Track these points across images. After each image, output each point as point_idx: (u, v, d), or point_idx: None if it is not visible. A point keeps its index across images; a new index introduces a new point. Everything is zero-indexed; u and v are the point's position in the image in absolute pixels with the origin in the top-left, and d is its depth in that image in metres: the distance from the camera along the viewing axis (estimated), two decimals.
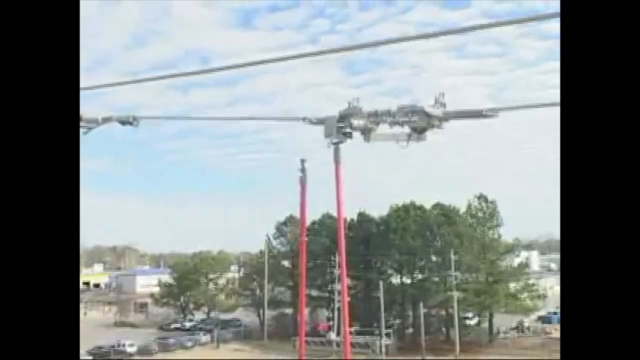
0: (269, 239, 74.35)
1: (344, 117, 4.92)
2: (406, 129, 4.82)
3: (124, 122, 5.44)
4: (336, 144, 5.18)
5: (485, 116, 4.57)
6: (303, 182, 6.02)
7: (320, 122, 5.20)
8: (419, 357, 57.59)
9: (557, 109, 2.93)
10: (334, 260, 65.19)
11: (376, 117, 4.85)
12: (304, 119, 5.21)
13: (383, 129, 4.96)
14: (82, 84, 3.59)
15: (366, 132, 4.98)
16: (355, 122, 4.89)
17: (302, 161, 6.02)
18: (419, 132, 4.84)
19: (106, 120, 5.29)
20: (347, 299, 5.99)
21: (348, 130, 5.00)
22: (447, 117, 4.72)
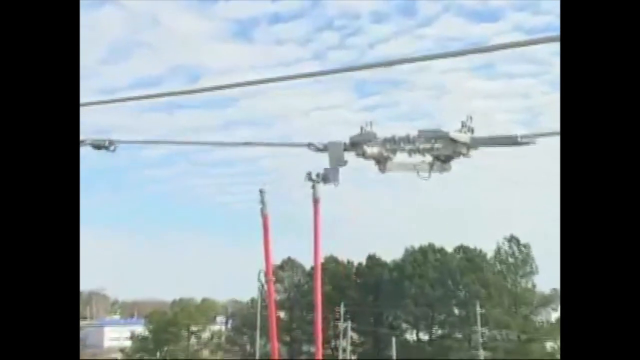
0: (262, 285, 73.93)
1: (355, 144, 4.94)
2: (428, 158, 4.84)
3: (98, 147, 5.48)
4: (314, 182, 5.29)
5: (520, 143, 4.58)
6: (264, 215, 6.18)
7: (326, 148, 5.24)
8: None
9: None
10: (339, 312, 64.74)
11: (393, 143, 4.86)
12: (309, 145, 5.24)
13: (401, 157, 4.97)
14: None
15: (381, 161, 4.99)
16: (369, 149, 4.91)
17: (262, 192, 6.18)
18: (442, 161, 4.84)
19: None
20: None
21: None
22: (476, 144, 4.73)
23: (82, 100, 3.98)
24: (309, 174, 5.30)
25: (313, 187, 5.35)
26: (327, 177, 5.22)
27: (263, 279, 6.60)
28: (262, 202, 6.03)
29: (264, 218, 6.04)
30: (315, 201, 5.45)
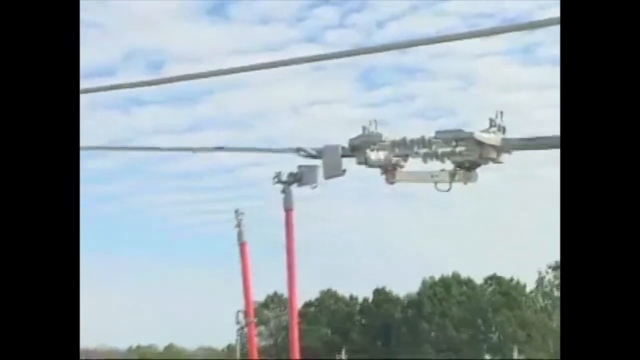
0: (241, 327, 73.91)
1: (355, 149, 4.96)
2: (448, 165, 4.86)
3: None
4: (286, 183, 5.28)
5: None
6: (242, 242, 6.18)
7: (320, 155, 5.26)
8: None
9: None
10: None
11: (404, 147, 4.88)
12: (298, 150, 5.26)
13: (414, 164, 4.98)
14: None
15: (389, 170, 5.00)
16: (373, 155, 4.93)
17: (238, 213, 6.17)
18: (466, 168, 4.86)
19: None
20: None
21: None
22: (508, 147, 4.76)
23: None
24: (277, 175, 5.27)
25: (284, 191, 5.30)
26: (302, 177, 5.18)
27: (243, 321, 6.59)
28: (239, 225, 5.98)
29: (242, 245, 5.99)
30: (288, 210, 5.39)
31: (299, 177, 5.23)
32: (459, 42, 5.18)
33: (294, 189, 5.41)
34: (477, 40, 4.96)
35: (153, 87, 6.45)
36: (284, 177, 5.28)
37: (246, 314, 6.48)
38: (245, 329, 6.78)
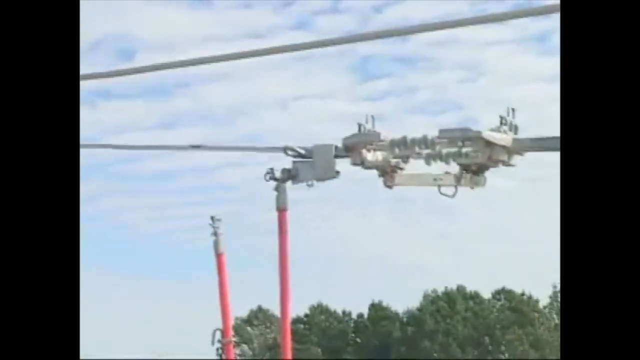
0: (222, 346, 73.88)
1: (350, 148, 4.96)
2: (453, 167, 4.87)
3: None
4: (280, 181, 5.28)
5: None
6: (219, 253, 6.16)
7: (310, 155, 5.26)
8: None
9: None
10: None
11: (404, 147, 4.89)
12: (285, 149, 5.24)
13: (415, 166, 4.98)
14: None
15: (387, 172, 5.00)
16: (370, 155, 4.93)
17: (214, 220, 6.13)
18: (474, 171, 4.87)
19: None
20: None
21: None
22: (520, 148, 4.78)
23: None
24: (270, 172, 5.25)
25: (277, 188, 5.28)
26: (296, 174, 5.17)
27: (220, 340, 6.55)
28: (215, 233, 5.94)
29: (219, 257, 5.95)
30: (281, 211, 5.36)
31: (293, 174, 5.21)
32: (465, 28, 5.19)
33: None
34: (485, 26, 4.98)
35: (122, 79, 6.41)
36: (278, 174, 5.25)
37: (224, 332, 6.43)
38: (225, 349, 6.73)
